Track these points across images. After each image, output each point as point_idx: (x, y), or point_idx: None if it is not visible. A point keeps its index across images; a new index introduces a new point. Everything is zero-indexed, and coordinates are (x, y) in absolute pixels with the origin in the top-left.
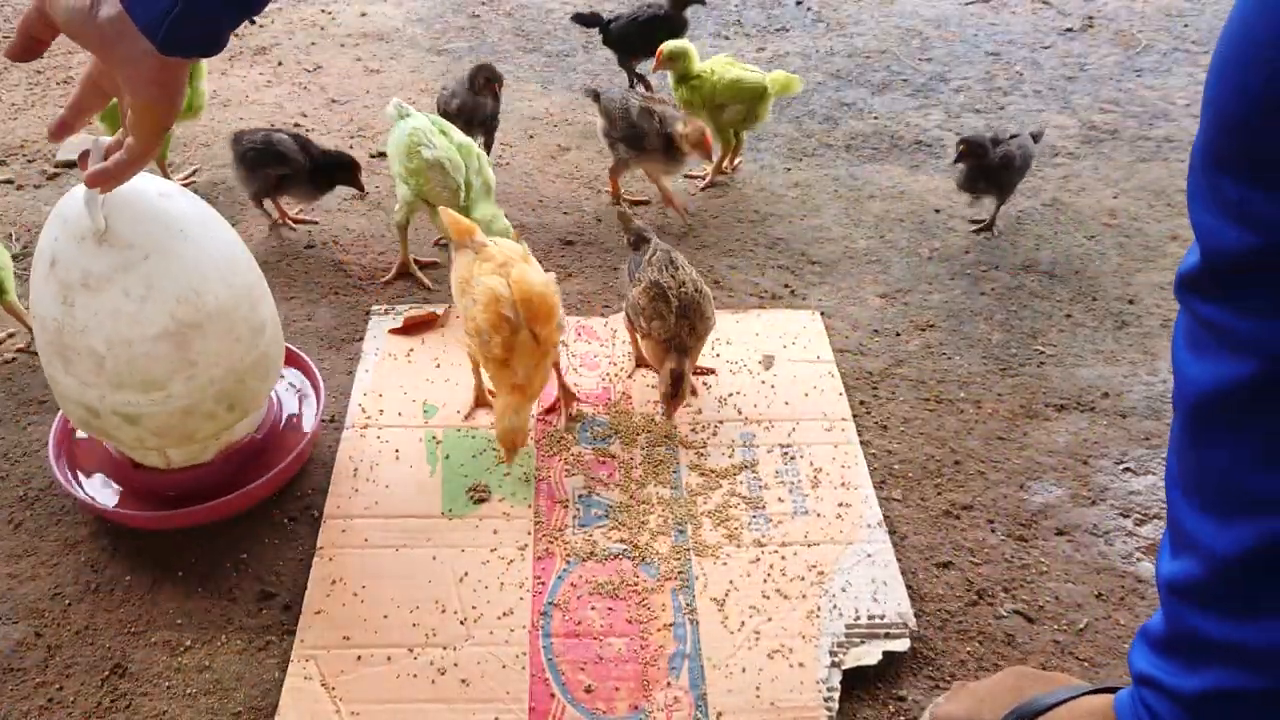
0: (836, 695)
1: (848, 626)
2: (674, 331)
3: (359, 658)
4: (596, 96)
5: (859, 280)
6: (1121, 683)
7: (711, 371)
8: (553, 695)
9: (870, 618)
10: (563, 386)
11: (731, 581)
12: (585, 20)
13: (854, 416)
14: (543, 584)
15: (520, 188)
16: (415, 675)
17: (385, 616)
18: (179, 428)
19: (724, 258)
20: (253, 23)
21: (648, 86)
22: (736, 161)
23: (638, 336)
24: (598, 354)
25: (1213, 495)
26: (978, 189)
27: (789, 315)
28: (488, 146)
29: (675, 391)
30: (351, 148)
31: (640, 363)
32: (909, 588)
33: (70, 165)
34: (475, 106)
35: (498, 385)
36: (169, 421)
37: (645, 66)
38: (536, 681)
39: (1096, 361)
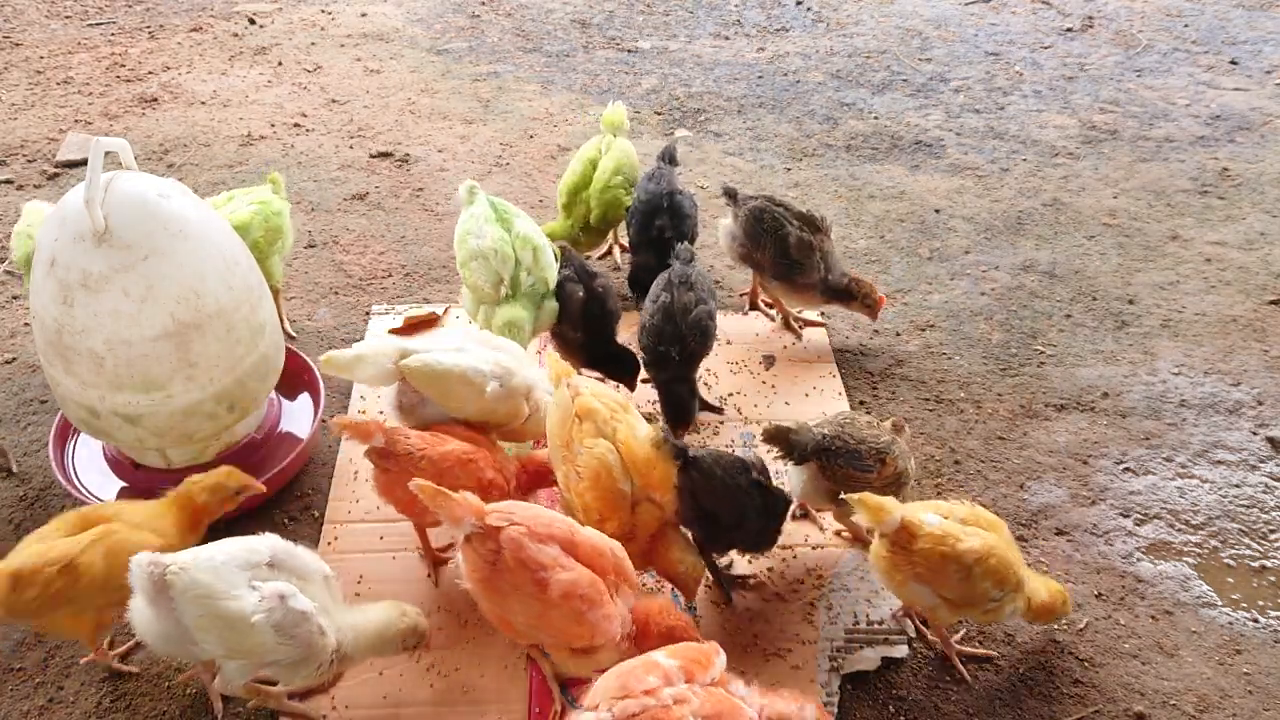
0: (836, 700)
1: (847, 631)
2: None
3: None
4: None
5: None
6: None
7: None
8: (554, 696)
9: (870, 623)
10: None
11: None
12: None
13: None
14: None
15: (520, 188)
16: (416, 678)
17: None
18: (179, 428)
19: (724, 257)
20: (253, 22)
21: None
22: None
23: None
24: None
25: None
26: None
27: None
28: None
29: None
30: (351, 148)
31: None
32: None
33: (70, 165)
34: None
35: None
36: (169, 422)
37: None
38: (537, 682)
39: (1096, 361)
